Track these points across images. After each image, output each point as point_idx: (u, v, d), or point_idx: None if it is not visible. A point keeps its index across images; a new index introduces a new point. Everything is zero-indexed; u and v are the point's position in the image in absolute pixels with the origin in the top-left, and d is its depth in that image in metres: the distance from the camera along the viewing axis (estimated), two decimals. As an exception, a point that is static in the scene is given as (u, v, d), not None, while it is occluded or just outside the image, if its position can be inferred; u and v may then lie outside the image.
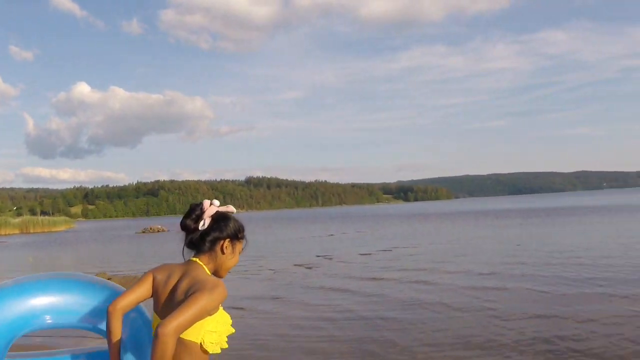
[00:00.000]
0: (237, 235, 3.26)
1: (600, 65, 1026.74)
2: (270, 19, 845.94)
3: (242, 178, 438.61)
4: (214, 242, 3.19)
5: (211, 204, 3.24)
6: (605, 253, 20.77)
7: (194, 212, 3.22)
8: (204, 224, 3.17)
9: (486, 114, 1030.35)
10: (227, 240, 3.21)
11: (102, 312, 3.23)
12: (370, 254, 25.76)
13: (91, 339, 8.72)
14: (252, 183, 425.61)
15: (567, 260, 19.24)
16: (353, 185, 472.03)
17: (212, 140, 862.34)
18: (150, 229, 72.73)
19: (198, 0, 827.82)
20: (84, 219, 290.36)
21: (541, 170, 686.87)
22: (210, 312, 2.92)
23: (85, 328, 3.39)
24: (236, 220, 3.29)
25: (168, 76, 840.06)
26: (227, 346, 3.05)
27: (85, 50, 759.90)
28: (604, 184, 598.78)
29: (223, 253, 3.20)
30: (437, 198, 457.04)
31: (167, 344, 2.73)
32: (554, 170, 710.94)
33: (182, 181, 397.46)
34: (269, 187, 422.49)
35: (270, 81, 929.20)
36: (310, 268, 21.30)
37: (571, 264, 18.40)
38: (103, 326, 3.27)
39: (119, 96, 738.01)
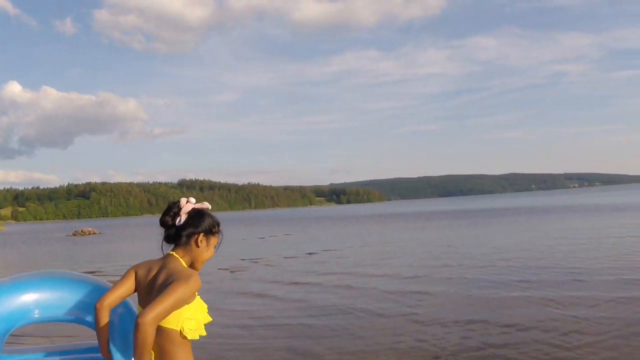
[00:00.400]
0: (211, 230, 3.48)
1: (529, 71, 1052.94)
2: (204, 21, 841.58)
3: (175, 180, 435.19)
4: (189, 237, 3.41)
5: (187, 201, 3.51)
6: (532, 255, 20.74)
7: (172, 209, 3.50)
8: (181, 220, 3.43)
9: (417, 117, 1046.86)
10: (202, 234, 3.44)
11: (89, 306, 3.48)
12: (297, 256, 25.49)
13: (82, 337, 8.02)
14: (185, 185, 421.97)
15: (496, 263, 19.16)
16: (286, 188, 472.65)
17: (145, 142, 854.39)
18: (82, 231, 71.15)
19: (132, 0, 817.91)
20: (13, 222, 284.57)
21: (471, 173, 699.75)
22: (186, 300, 3.14)
23: (73, 321, 3.59)
24: (211, 216, 3.53)
25: (101, 77, 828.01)
26: (205, 334, 3.26)
27: (16, 49, 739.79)
28: (533, 186, 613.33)
29: (198, 246, 3.42)
30: (369, 200, 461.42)
31: (147, 332, 2.95)
32: (484, 172, 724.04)
33: (115, 183, 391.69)
34: (201, 189, 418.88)
35: (204, 83, 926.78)
36: (233, 272, 20.77)
37: (499, 266, 18.31)
38: (90, 319, 3.50)
39: (51, 96, 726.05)
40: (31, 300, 3.50)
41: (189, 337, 3.18)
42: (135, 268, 3.45)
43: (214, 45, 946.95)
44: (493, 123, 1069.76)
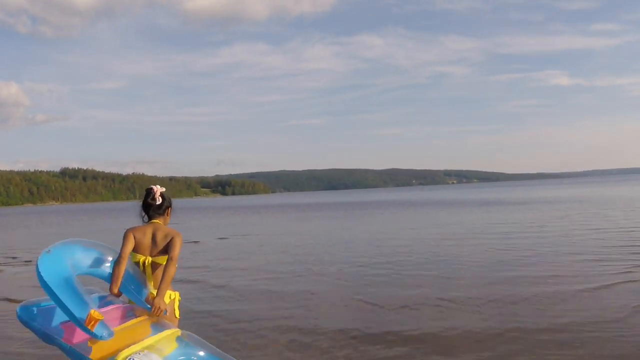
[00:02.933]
0: (171, 203, 5.82)
1: (412, 71, 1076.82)
2: (93, 6, 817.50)
3: (57, 169, 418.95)
4: (165, 209, 5.72)
5: (157, 188, 5.73)
6: (400, 243, 22.37)
7: (151, 194, 5.67)
8: (158, 200, 5.65)
9: (303, 112, 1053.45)
10: (169, 207, 5.79)
11: (107, 261, 5.30)
12: None
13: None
14: (68, 174, 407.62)
15: (367, 251, 20.69)
16: (171, 179, 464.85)
17: (27, 128, 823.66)
18: (-44, 219, 68.19)
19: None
20: None
21: (355, 167, 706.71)
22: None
23: (94, 274, 5.25)
24: (168, 198, 5.76)
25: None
26: None
27: None
28: (414, 181, 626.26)
29: (168, 215, 5.79)
30: (254, 192, 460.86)
31: (175, 266, 5.31)
32: (367, 167, 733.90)
33: None
34: (84, 179, 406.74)
35: (89, 70, 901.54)
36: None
37: (372, 254, 19.72)
38: (103, 272, 5.27)
39: None
40: (77, 255, 5.09)
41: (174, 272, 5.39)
42: (132, 231, 5.45)
43: (102, 31, 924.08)
44: (377, 119, 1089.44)
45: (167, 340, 4.81)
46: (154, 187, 5.72)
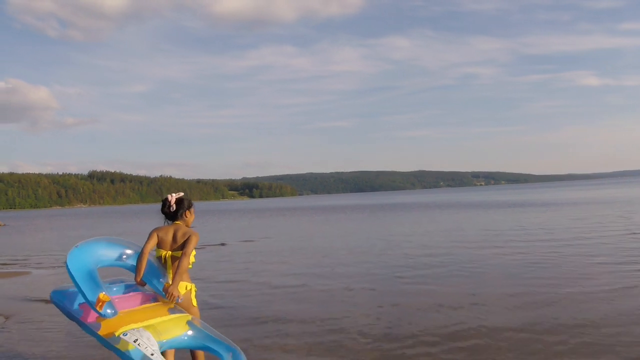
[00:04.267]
0: (189, 206, 6.49)
1: (440, 72, 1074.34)
2: (121, 10, 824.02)
3: (86, 172, 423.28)
4: (182, 213, 6.43)
5: (171, 196, 6.44)
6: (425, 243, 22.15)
7: (165, 204, 6.42)
8: (173, 208, 6.39)
9: (331, 114, 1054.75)
10: (187, 210, 6.46)
11: (134, 255, 6.35)
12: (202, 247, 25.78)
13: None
14: (96, 177, 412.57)
15: (395, 253, 20.50)
16: (198, 181, 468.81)
17: (56, 131, 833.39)
18: (-15, 223, 68.68)
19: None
20: None
21: (382, 170, 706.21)
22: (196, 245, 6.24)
23: (122, 265, 6.37)
24: (187, 199, 6.51)
25: (12, 63, 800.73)
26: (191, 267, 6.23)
27: None
28: (441, 183, 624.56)
29: (188, 216, 6.47)
30: (281, 195, 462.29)
31: (189, 260, 6.08)
32: (395, 169, 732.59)
33: (23, 174, 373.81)
34: (112, 181, 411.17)
35: (118, 73, 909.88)
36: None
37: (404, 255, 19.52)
38: (130, 263, 6.33)
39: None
40: (101, 251, 6.21)
41: (191, 266, 6.20)
42: (157, 231, 6.28)
43: (130, 34, 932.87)
44: (404, 121, 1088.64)
45: (174, 322, 5.87)
46: (168, 196, 6.49)
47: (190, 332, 5.85)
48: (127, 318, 5.65)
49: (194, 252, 6.23)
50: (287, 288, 13.58)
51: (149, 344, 5.42)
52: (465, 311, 10.26)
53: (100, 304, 5.42)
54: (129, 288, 6.24)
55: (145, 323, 5.63)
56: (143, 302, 6.10)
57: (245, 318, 10.41)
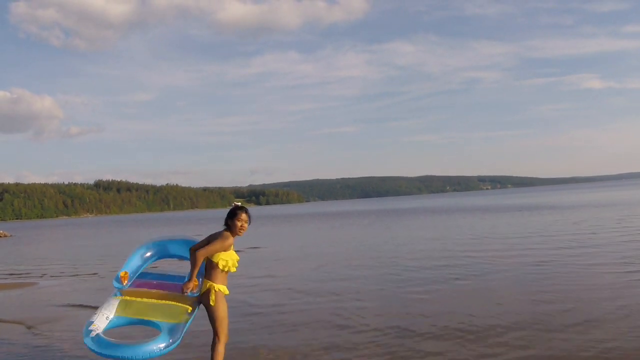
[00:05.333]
0: (230, 215, 7.08)
1: (444, 77, 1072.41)
2: (126, 18, 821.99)
3: (92, 181, 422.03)
4: (226, 223, 7.12)
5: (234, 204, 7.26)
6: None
7: None
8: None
9: (336, 120, 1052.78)
10: (228, 219, 7.08)
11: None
12: None
13: None
14: (102, 186, 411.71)
15: (405, 255, 20.56)
16: (205, 189, 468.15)
17: (61, 141, 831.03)
18: (-8, 234, 68.47)
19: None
20: None
21: (388, 175, 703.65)
22: (219, 249, 6.88)
23: (182, 258, 7.73)
24: (232, 208, 7.14)
25: (16, 73, 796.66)
26: (234, 270, 7.02)
27: None
28: (448, 188, 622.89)
29: (229, 225, 7.06)
30: (288, 202, 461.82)
31: (200, 257, 6.83)
32: (401, 175, 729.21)
33: (28, 184, 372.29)
34: (119, 190, 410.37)
35: (122, 81, 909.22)
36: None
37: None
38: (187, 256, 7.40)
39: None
40: (164, 245, 7.87)
41: (220, 267, 6.86)
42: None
43: (134, 43, 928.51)
44: (410, 127, 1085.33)
45: (171, 308, 6.84)
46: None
47: (183, 318, 6.80)
48: (134, 293, 7.13)
49: (231, 257, 6.97)
50: (300, 289, 13.75)
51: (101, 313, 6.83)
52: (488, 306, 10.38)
53: (122, 279, 7.19)
54: (165, 278, 7.59)
55: (145, 300, 7.02)
56: (163, 288, 7.28)
57: (260, 314, 10.54)
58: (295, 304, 12.67)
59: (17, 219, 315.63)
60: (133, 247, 7.94)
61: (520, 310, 10.55)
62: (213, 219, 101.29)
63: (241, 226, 7.02)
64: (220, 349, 6.78)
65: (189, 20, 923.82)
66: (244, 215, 7.05)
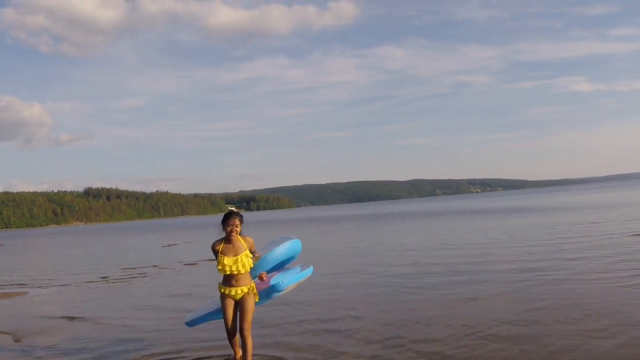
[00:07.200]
0: (222, 222, 8.01)
1: (434, 81, 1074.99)
2: (115, 24, 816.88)
3: (81, 189, 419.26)
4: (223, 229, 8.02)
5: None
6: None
7: None
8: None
9: (326, 125, 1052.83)
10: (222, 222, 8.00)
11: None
12: (194, 263, 25.88)
13: None
14: (91, 194, 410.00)
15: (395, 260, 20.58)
16: (195, 196, 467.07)
17: (51, 149, 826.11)
18: (-19, 243, 68.07)
19: (41, 0, 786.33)
20: None
21: (379, 179, 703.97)
22: (214, 254, 8.02)
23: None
24: (224, 216, 8.01)
25: (4, 80, 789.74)
26: (228, 272, 7.89)
27: None
28: (438, 191, 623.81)
29: (224, 229, 8.02)
30: (279, 207, 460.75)
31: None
32: (391, 179, 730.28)
33: (17, 193, 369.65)
34: (108, 198, 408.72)
35: (112, 88, 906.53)
36: (114, 282, 21.41)
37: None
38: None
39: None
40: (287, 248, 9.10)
41: (218, 269, 7.98)
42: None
43: (123, 49, 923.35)
44: (400, 130, 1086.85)
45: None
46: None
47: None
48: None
49: (221, 261, 7.93)
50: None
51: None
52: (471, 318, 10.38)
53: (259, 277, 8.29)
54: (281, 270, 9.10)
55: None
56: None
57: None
58: (284, 310, 12.61)
59: (6, 228, 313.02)
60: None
61: (512, 317, 10.55)
62: (202, 225, 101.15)
63: (230, 230, 7.93)
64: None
65: (179, 26, 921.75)
66: (231, 220, 7.93)
